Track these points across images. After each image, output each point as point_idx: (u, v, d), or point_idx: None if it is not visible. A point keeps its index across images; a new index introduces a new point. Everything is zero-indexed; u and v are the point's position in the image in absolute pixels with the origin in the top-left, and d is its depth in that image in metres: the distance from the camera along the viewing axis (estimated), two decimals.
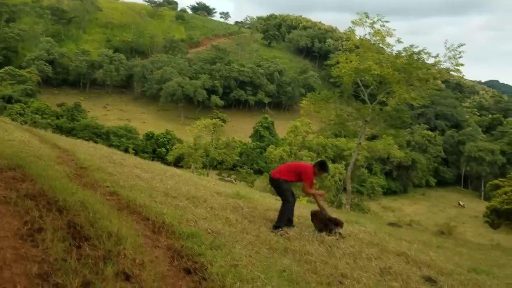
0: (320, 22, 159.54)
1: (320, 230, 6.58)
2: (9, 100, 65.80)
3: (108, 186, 6.26)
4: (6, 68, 75.51)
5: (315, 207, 7.54)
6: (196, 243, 4.17)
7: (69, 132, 54.29)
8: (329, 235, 6.42)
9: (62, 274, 2.98)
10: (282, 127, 76.95)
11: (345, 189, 27.48)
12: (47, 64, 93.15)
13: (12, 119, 22.81)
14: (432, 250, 8.09)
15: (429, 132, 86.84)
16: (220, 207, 6.95)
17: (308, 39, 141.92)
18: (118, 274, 3.19)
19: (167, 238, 4.29)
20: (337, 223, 6.74)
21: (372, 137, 37.31)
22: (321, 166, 6.77)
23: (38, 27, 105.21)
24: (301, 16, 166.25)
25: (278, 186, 6.76)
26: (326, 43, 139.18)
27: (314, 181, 6.90)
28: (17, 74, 72.40)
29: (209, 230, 4.96)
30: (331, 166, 42.28)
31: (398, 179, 78.07)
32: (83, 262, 3.24)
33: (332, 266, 5.02)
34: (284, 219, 6.57)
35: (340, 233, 6.69)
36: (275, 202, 10.37)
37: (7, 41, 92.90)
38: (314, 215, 6.93)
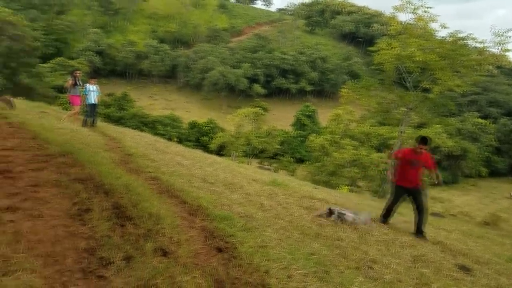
0: (365, 7, 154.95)
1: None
2: (60, 90, 69.14)
3: (150, 172, 6.63)
4: (57, 59, 78.65)
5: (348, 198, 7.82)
6: (228, 225, 4.44)
7: (117, 121, 56.26)
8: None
9: (106, 249, 3.31)
10: (325, 115, 75.97)
11: None
12: (96, 55, 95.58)
13: (63, 109, 24.14)
14: (472, 240, 7.94)
15: (481, 120, 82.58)
16: (255, 193, 7.15)
17: (352, 24, 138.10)
18: (156, 250, 3.50)
19: (202, 220, 4.57)
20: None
21: (419, 126, 36.04)
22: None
23: (86, 18, 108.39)
24: (345, 1, 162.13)
25: None
26: (371, 28, 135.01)
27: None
28: (68, 65, 75.39)
29: (242, 214, 5.20)
30: (375, 155, 41.46)
31: (448, 169, 74.95)
32: (125, 239, 3.57)
33: (363, 252, 5.07)
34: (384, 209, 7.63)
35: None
36: (311, 191, 10.50)
37: (58, 32, 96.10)
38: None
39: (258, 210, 5.90)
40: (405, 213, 9.69)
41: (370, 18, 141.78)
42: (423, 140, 6.97)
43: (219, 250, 3.84)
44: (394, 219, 8.16)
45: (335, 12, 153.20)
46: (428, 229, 8.06)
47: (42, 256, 3.02)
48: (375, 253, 5.16)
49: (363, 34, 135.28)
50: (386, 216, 7.54)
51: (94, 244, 3.38)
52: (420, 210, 7.15)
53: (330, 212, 6.73)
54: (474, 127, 79.89)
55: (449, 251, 6.30)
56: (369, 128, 45.63)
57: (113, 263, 3.13)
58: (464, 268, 5.33)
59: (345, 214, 6.69)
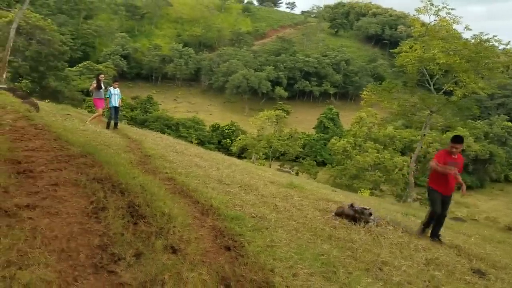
0: (391, 8, 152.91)
1: (354, 220, 6.51)
2: (87, 93, 70.80)
3: (167, 173, 6.78)
4: (85, 62, 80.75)
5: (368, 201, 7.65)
6: (239, 225, 4.53)
7: (142, 124, 57.41)
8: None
9: (118, 246, 3.43)
10: (348, 118, 75.29)
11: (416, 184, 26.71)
12: (122, 58, 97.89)
13: (89, 112, 24.80)
14: (491, 245, 7.76)
15: (510, 124, 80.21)
16: (270, 195, 7.21)
17: (378, 26, 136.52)
18: (166, 247, 3.62)
19: (212, 220, 4.68)
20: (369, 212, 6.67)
21: (443, 129, 35.28)
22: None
23: (113, 23, 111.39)
24: (370, 2, 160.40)
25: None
26: (397, 30, 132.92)
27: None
28: (95, 68, 77.22)
29: (253, 214, 5.28)
30: (399, 159, 40.80)
31: (474, 173, 73.05)
32: (137, 236, 3.70)
33: (375, 254, 5.05)
34: (425, 222, 7.04)
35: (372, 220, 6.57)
36: (329, 193, 10.47)
37: (85, 37, 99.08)
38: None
39: (271, 211, 5.96)
40: (421, 216, 9.55)
41: (396, 20, 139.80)
42: (457, 139, 6.64)
43: (227, 248, 3.93)
44: (411, 222, 8.08)
45: (360, 14, 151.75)
46: (446, 233, 7.93)
47: (57, 252, 3.16)
48: (387, 255, 5.13)
49: (388, 36, 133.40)
50: (424, 230, 7.07)
51: (107, 241, 3.50)
52: (443, 217, 6.96)
53: (352, 206, 6.68)
54: (503, 130, 77.59)
55: (465, 255, 6.19)
56: (393, 131, 44.99)
57: (124, 259, 3.25)
58: (479, 272, 5.24)
59: (367, 207, 6.68)
